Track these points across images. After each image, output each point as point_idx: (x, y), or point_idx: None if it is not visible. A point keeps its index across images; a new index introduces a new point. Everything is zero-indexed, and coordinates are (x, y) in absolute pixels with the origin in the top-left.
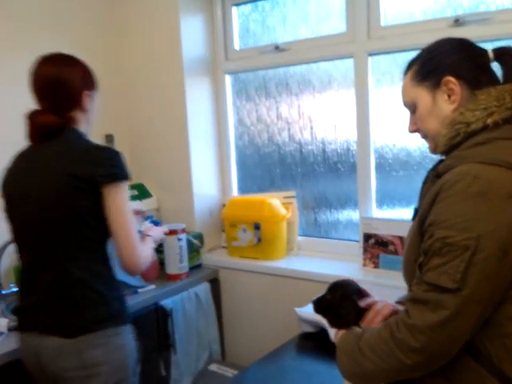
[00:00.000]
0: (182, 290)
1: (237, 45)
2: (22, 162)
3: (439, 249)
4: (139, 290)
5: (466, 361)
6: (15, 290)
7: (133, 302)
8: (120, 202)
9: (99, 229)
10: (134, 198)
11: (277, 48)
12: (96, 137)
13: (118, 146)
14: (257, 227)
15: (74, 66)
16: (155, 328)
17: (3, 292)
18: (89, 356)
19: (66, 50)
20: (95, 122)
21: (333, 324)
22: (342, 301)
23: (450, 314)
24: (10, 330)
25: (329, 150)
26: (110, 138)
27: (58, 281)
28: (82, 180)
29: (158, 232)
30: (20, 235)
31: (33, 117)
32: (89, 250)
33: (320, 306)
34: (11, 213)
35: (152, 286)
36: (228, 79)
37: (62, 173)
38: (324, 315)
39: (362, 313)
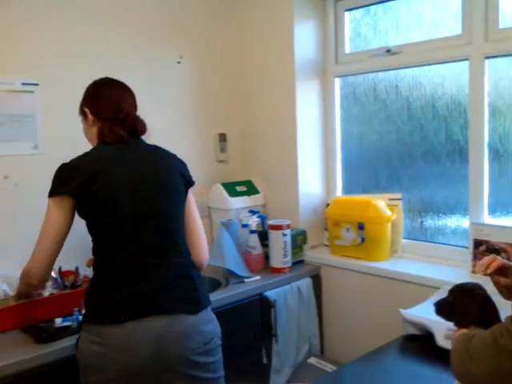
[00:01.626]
0: (285, 283)
1: (347, 48)
2: (115, 156)
3: None
4: (245, 280)
5: None
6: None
7: (239, 290)
8: (194, 204)
9: None
10: (242, 193)
11: (388, 51)
12: (209, 135)
13: (230, 144)
14: (360, 227)
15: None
16: (259, 317)
17: None
18: (207, 330)
19: (185, 55)
20: (209, 122)
21: (457, 323)
22: (463, 298)
23: None
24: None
25: (439, 152)
26: (222, 136)
27: (179, 261)
28: (187, 179)
29: None
30: (130, 225)
31: (128, 118)
32: (184, 236)
33: (441, 307)
34: (115, 205)
35: (257, 277)
36: (337, 82)
37: (175, 170)
38: (446, 317)
39: (485, 310)
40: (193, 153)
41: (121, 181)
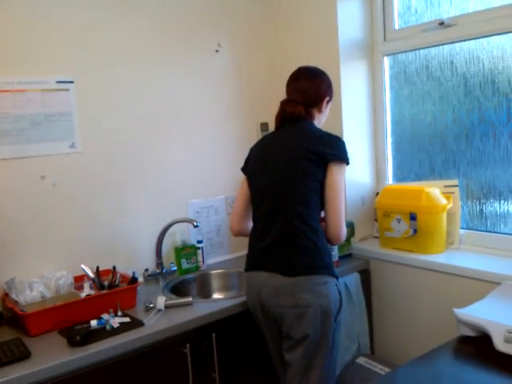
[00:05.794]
0: None
1: (397, 24)
2: (265, 141)
3: None
4: None
5: None
6: (175, 269)
7: None
8: (339, 179)
9: (318, 195)
10: None
11: (441, 24)
12: (252, 125)
13: None
14: (413, 218)
15: (323, 79)
16: None
17: (164, 271)
18: (301, 297)
19: (223, 43)
20: (251, 111)
21: None
22: None
23: None
24: (166, 307)
25: (500, 133)
26: (264, 126)
27: (286, 230)
28: (314, 153)
29: None
30: (259, 196)
31: (285, 105)
32: (310, 209)
33: None
34: (254, 179)
35: None
36: (386, 61)
37: (299, 147)
38: None
39: None
40: (234, 143)
41: (259, 161)
